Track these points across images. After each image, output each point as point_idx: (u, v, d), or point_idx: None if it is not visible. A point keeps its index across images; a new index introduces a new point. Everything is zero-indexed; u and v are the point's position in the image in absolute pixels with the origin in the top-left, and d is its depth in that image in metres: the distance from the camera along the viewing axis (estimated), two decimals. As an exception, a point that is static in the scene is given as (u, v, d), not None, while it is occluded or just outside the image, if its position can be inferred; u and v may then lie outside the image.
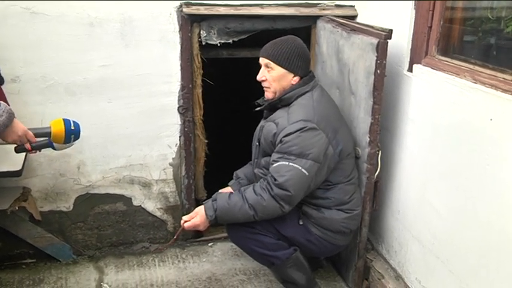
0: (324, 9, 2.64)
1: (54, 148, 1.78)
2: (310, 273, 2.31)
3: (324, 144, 2.05)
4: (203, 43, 2.59)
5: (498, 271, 1.68)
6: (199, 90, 2.70)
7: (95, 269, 2.66)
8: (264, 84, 2.20)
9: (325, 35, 2.53)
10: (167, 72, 2.58)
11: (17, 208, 2.48)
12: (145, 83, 2.57)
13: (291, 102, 2.14)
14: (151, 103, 2.61)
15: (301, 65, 2.14)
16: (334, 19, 2.50)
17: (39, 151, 1.76)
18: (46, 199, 2.64)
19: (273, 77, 2.15)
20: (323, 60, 2.59)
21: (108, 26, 2.43)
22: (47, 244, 2.66)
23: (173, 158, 2.76)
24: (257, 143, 2.29)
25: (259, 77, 2.19)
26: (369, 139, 2.19)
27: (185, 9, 2.47)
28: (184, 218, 2.20)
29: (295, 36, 2.22)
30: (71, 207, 2.69)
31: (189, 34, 2.55)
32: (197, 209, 2.19)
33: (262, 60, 2.17)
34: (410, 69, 2.18)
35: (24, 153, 2.13)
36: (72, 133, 1.72)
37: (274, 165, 2.05)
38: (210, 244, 2.92)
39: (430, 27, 2.08)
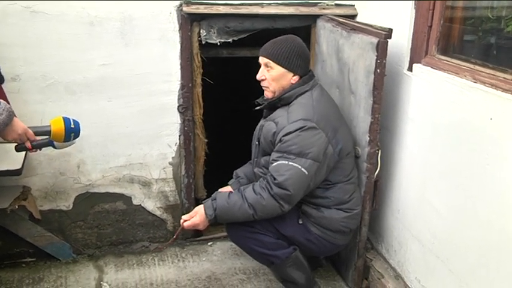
0: (323, 9, 2.64)
1: (54, 147, 1.77)
2: (310, 273, 2.31)
3: (323, 144, 2.05)
4: (203, 42, 2.59)
5: (498, 270, 1.68)
6: (199, 89, 2.70)
7: (94, 268, 2.66)
8: (263, 83, 2.20)
9: (325, 34, 2.53)
10: (167, 71, 2.58)
11: (16, 207, 2.49)
12: (145, 82, 2.57)
13: (291, 102, 2.14)
14: (151, 102, 2.61)
15: (300, 64, 2.14)
16: (334, 18, 2.49)
17: (40, 150, 1.76)
18: (46, 198, 2.64)
19: (272, 76, 2.15)
20: (323, 59, 2.59)
21: (108, 25, 2.42)
22: (46, 243, 2.66)
23: (173, 157, 2.76)
24: (257, 142, 2.29)
25: (258, 76, 2.19)
26: (368, 138, 2.19)
27: (185, 8, 2.47)
28: (184, 217, 2.20)
29: (295, 35, 2.22)
30: (71, 206, 2.69)
31: (189, 33, 2.55)
32: (197, 208, 2.19)
33: (262, 60, 2.17)
34: (410, 69, 2.18)
35: (24, 152, 2.13)
36: (72, 131, 1.71)
37: (274, 164, 2.05)
38: (209, 243, 2.92)
39: (430, 26, 2.08)
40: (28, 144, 1.66)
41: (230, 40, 2.63)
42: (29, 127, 1.65)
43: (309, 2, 2.65)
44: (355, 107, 2.28)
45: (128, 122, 2.61)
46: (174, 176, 2.80)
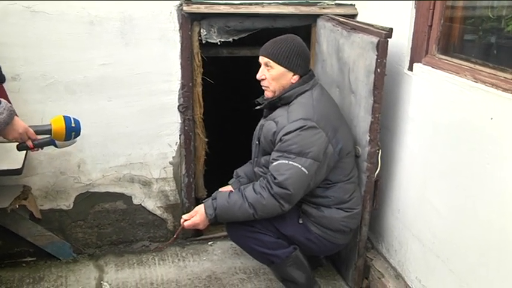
0: (324, 8, 2.64)
1: (56, 146, 1.78)
2: (310, 272, 2.31)
3: (323, 143, 2.05)
4: (203, 42, 2.59)
5: (498, 270, 1.68)
6: (199, 89, 2.70)
7: (95, 268, 2.66)
8: (263, 83, 2.20)
9: (325, 34, 2.53)
10: (167, 70, 2.58)
11: (17, 206, 2.49)
12: (145, 81, 2.57)
13: (291, 101, 2.14)
14: (152, 102, 2.61)
15: (300, 63, 2.14)
16: (334, 18, 2.49)
17: (42, 149, 1.76)
18: (46, 197, 2.64)
19: (272, 75, 2.15)
20: (323, 59, 2.59)
21: (108, 24, 2.42)
22: (47, 242, 2.66)
23: (173, 157, 2.76)
24: (257, 142, 2.29)
25: (258, 76, 2.19)
26: (369, 138, 2.19)
27: (185, 8, 2.47)
28: (184, 216, 2.20)
29: (295, 35, 2.22)
30: (71, 206, 2.69)
31: (189, 33, 2.55)
32: (197, 207, 2.19)
33: (262, 59, 2.17)
34: (410, 68, 2.18)
35: (24, 152, 2.13)
36: (72, 130, 1.71)
37: (274, 163, 2.05)
38: (210, 243, 2.92)
39: (431, 26, 2.08)
40: (30, 143, 1.66)
41: (230, 39, 2.63)
42: (30, 126, 1.65)
43: (309, 2, 2.65)
44: (355, 106, 2.28)
45: (128, 121, 2.61)
46: (175, 175, 2.80)
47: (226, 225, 2.28)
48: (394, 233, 2.40)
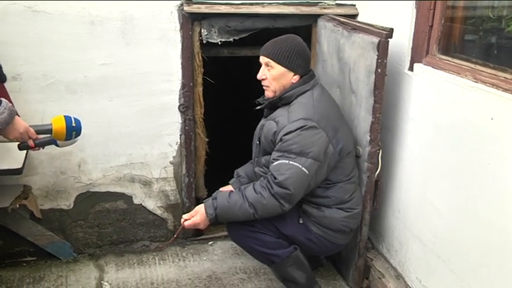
0: (324, 8, 2.64)
1: (57, 145, 1.78)
2: (311, 272, 2.31)
3: (324, 143, 2.05)
4: (204, 41, 2.59)
5: (499, 270, 1.68)
6: (200, 89, 2.70)
7: (95, 267, 2.66)
8: (263, 83, 2.20)
9: (326, 34, 2.53)
10: (168, 70, 2.59)
11: (17, 206, 2.49)
12: (146, 81, 2.57)
13: (291, 101, 2.14)
14: (152, 101, 2.61)
15: (301, 63, 2.14)
16: (335, 18, 2.49)
17: (42, 148, 1.76)
18: (47, 197, 2.64)
19: (273, 75, 2.15)
20: (324, 59, 2.59)
21: (109, 24, 2.43)
22: (47, 242, 2.66)
23: (174, 157, 2.76)
24: (257, 142, 2.29)
25: (259, 76, 2.19)
26: (369, 138, 2.19)
27: (186, 8, 2.47)
28: (185, 216, 2.20)
29: (296, 35, 2.22)
30: (72, 205, 2.69)
31: (190, 33, 2.55)
32: (197, 207, 2.19)
33: (263, 59, 2.17)
34: (411, 68, 2.18)
35: (24, 151, 2.13)
36: (73, 130, 1.72)
37: (275, 163, 2.05)
38: (210, 243, 2.92)
39: (431, 26, 2.08)
40: (31, 143, 1.67)
41: (231, 39, 2.63)
42: (31, 126, 1.65)
43: (309, 2, 2.65)
44: (356, 106, 2.28)
45: (129, 121, 2.61)
46: (175, 175, 2.81)
47: (227, 225, 2.28)
48: (394, 233, 2.40)
